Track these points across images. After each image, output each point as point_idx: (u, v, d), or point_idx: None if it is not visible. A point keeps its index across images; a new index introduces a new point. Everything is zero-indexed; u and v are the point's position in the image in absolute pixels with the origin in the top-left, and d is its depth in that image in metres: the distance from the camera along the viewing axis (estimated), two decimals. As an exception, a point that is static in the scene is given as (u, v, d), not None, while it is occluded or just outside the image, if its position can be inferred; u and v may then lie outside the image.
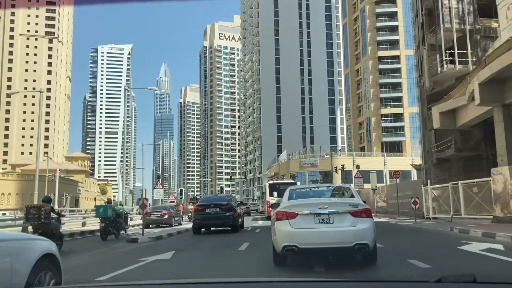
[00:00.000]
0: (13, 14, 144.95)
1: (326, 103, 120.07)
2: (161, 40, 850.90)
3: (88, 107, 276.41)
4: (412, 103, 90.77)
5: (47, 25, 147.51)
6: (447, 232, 14.61)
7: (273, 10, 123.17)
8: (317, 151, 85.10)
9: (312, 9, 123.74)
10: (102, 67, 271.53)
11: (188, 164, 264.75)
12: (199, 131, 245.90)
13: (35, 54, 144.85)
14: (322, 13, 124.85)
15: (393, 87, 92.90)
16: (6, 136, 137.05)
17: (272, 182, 39.20)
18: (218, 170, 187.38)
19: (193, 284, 2.42)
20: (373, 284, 2.28)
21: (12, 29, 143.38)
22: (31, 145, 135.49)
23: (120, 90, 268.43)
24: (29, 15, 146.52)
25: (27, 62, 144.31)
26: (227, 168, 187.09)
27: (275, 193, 30.35)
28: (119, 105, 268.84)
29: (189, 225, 23.56)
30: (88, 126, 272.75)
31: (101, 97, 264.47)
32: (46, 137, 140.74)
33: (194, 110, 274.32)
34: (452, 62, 31.45)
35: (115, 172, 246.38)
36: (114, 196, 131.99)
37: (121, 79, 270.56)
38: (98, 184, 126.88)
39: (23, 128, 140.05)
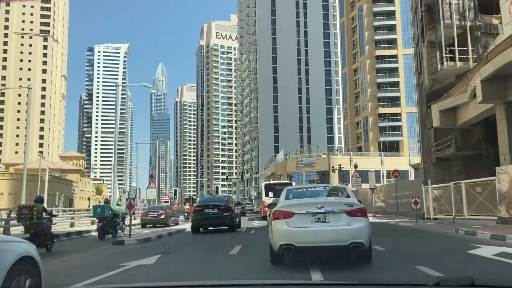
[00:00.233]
0: (7, 12, 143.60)
1: (324, 102, 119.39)
2: (158, 40, 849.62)
3: (84, 106, 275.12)
4: (409, 102, 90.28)
5: (42, 24, 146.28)
6: (452, 234, 13.85)
7: (270, 9, 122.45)
8: (314, 151, 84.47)
9: (309, 8, 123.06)
10: (98, 67, 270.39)
11: (184, 164, 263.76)
12: (195, 131, 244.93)
13: (30, 53, 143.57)
14: (320, 12, 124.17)
15: (391, 87, 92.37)
16: (0, 136, 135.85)
17: (267, 182, 39.37)
18: (214, 170, 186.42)
19: (190, 287, 2.42)
20: (372, 287, 2.23)
21: (6, 27, 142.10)
22: (25, 144, 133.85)
23: (116, 90, 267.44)
24: (24, 13, 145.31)
25: (21, 60, 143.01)
26: (223, 168, 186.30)
27: (270, 194, 30.50)
28: (115, 104, 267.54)
29: (183, 226, 23.10)
30: (84, 125, 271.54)
31: (97, 97, 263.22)
32: (41, 136, 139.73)
33: (190, 110, 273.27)
34: (452, 59, 30.77)
35: (111, 172, 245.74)
36: (110, 196, 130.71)
37: (117, 79, 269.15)
38: (94, 183, 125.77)
39: (18, 127, 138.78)
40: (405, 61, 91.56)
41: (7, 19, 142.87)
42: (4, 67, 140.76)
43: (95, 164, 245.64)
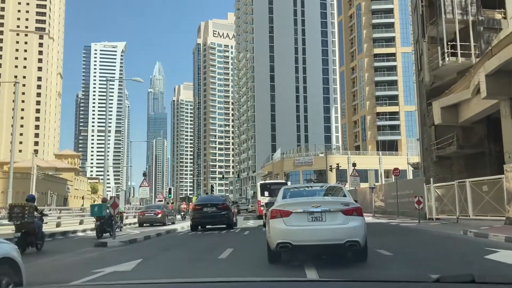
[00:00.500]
0: (2, 9, 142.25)
1: (321, 101, 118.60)
2: (155, 38, 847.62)
3: (81, 105, 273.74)
4: (408, 101, 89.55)
5: (37, 21, 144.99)
6: (460, 236, 12.93)
7: (267, 7, 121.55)
8: (311, 150, 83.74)
9: (307, 6, 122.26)
10: (95, 65, 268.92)
11: (181, 163, 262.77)
12: (192, 130, 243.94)
13: (25, 50, 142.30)
14: (317, 10, 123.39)
15: (389, 85, 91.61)
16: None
17: (263, 182, 39.92)
18: (211, 169, 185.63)
19: (189, 283, 2.40)
20: (372, 284, 2.24)
21: (1, 25, 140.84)
22: (20, 142, 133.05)
23: (113, 88, 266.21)
24: (19, 11, 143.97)
25: (17, 58, 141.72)
26: (220, 167, 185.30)
27: (266, 193, 31.03)
28: (112, 103, 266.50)
29: (177, 225, 22.38)
30: (80, 124, 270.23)
31: (94, 95, 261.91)
32: (36, 135, 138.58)
33: (187, 109, 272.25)
34: (454, 54, 29.96)
35: (108, 171, 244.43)
36: (107, 195, 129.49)
37: (114, 76, 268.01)
38: (89, 182, 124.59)
39: (12, 126, 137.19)
40: (403, 60, 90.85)
41: (2, 16, 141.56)
42: (0, 65, 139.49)
43: (91, 163, 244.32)
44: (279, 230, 7.40)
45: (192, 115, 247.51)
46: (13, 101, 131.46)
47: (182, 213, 37.62)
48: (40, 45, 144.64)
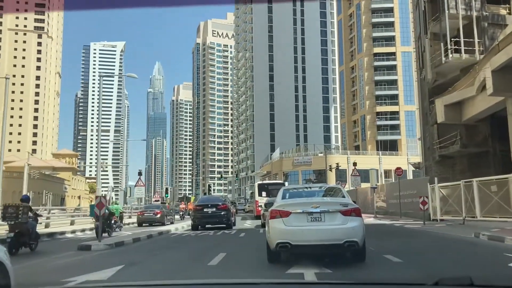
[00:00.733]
0: (1, 8, 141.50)
1: (320, 101, 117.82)
2: (155, 38, 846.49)
3: (80, 104, 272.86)
4: (408, 101, 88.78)
5: (36, 20, 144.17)
6: (472, 239, 12.04)
7: (266, 6, 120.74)
8: (310, 149, 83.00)
9: (306, 6, 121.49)
10: (94, 64, 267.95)
11: (180, 162, 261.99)
12: (191, 129, 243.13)
13: (24, 49, 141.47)
14: (317, 10, 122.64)
15: (389, 85, 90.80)
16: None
17: (261, 182, 39.75)
18: (210, 169, 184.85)
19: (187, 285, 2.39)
20: (373, 286, 2.24)
21: (0, 24, 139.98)
22: (18, 142, 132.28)
23: (112, 88, 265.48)
24: (17, 9, 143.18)
25: (15, 57, 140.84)
26: (219, 167, 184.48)
27: (264, 193, 31.00)
28: (112, 103, 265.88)
29: (174, 226, 21.70)
30: (79, 123, 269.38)
31: (93, 95, 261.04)
32: (35, 134, 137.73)
33: (187, 108, 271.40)
34: (458, 51, 29.15)
35: (107, 170, 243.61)
36: (104, 195, 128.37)
37: (113, 77, 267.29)
38: (88, 182, 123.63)
39: (11, 125, 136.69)
40: (403, 59, 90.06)
41: (0, 15, 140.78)
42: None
43: (90, 162, 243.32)
44: (278, 230, 7.48)
45: (191, 115, 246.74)
46: (12, 100, 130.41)
47: (181, 213, 37.26)
48: (39, 44, 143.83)
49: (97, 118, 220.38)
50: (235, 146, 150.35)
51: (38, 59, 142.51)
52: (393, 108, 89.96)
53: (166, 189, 49.01)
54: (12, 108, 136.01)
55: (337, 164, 57.29)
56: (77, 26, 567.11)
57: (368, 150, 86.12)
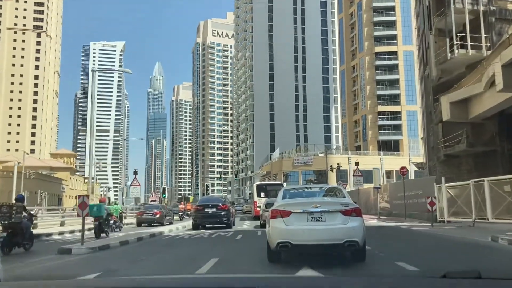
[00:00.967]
0: (0, 7, 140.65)
1: (321, 101, 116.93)
2: (155, 38, 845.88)
3: (79, 104, 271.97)
4: (410, 100, 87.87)
5: (35, 19, 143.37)
6: (490, 243, 11.00)
7: (267, 5, 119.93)
8: (311, 149, 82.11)
9: (307, 5, 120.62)
10: (94, 64, 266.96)
11: (180, 163, 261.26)
12: (191, 130, 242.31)
13: (23, 49, 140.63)
14: (317, 9, 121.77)
15: (391, 84, 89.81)
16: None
17: (259, 183, 39.87)
18: (210, 169, 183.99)
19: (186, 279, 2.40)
20: (383, 280, 2.25)
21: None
22: (17, 141, 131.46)
23: (112, 88, 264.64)
24: (16, 8, 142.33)
25: (14, 56, 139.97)
26: (219, 167, 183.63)
27: (262, 194, 31.11)
28: (111, 103, 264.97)
29: (165, 228, 20.76)
30: (79, 123, 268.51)
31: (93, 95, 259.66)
32: (33, 134, 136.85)
33: (186, 109, 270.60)
34: (464, 47, 28.15)
35: (106, 171, 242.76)
36: (103, 195, 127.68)
37: (113, 77, 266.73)
38: (86, 182, 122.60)
39: (9, 124, 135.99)
40: (405, 58, 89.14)
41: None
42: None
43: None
44: (279, 230, 7.48)
45: (191, 115, 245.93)
46: (11, 99, 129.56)
47: (181, 213, 36.96)
48: (38, 43, 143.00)
49: (102, 118, 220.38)
50: (234, 146, 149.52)
51: (37, 58, 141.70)
52: (395, 108, 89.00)
53: (164, 188, 48.05)
54: (11, 108, 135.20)
55: (338, 164, 56.29)
56: (76, 25, 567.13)
57: (369, 150, 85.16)
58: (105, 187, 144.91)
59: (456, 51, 27.94)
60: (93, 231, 17.29)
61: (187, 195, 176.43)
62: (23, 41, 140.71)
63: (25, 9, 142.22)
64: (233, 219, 23.50)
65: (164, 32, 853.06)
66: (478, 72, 24.40)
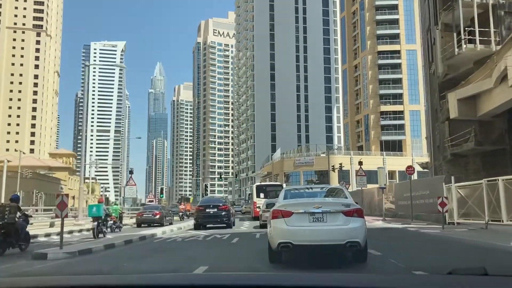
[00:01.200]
0: None
1: (323, 100, 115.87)
2: (156, 38, 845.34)
3: (80, 104, 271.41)
4: (413, 100, 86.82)
5: (35, 18, 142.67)
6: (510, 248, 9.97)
7: (268, 4, 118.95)
8: (312, 149, 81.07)
9: (308, 4, 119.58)
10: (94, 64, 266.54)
11: (181, 163, 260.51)
12: (192, 130, 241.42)
13: (22, 48, 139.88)
14: (319, 8, 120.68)
15: (393, 83, 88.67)
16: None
17: (259, 184, 40.07)
18: (210, 170, 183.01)
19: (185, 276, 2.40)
20: (388, 277, 2.22)
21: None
22: (16, 141, 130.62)
23: (112, 88, 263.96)
24: (16, 7, 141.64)
25: (13, 55, 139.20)
26: (220, 167, 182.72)
27: (261, 195, 31.06)
28: (112, 103, 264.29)
29: (158, 230, 19.80)
30: (79, 123, 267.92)
31: (93, 95, 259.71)
32: (33, 134, 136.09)
33: (187, 109, 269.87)
34: (472, 41, 27.07)
35: (106, 171, 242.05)
36: (103, 195, 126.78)
37: (114, 77, 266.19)
38: (86, 182, 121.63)
39: (9, 124, 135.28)
40: (408, 57, 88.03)
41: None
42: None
43: (91, 162, 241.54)
44: (280, 230, 7.46)
45: (192, 115, 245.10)
46: (10, 99, 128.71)
47: (181, 213, 36.80)
48: (37, 42, 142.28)
49: (103, 118, 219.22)
50: (235, 146, 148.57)
51: (37, 58, 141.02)
52: (398, 108, 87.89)
53: (161, 189, 47.20)
54: (10, 107, 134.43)
55: (340, 164, 55.21)
56: (77, 25, 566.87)
57: (371, 150, 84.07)
58: (102, 187, 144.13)
59: (464, 46, 26.88)
60: (91, 231, 17.32)
61: (188, 195, 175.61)
62: (23, 40, 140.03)
63: (24, 8, 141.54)
64: (233, 219, 24.27)
65: (165, 31, 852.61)
66: (488, 67, 23.34)
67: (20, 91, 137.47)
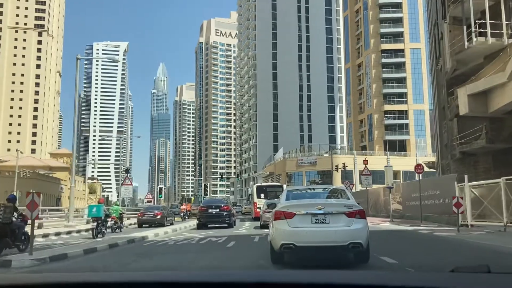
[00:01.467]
0: (1, 6, 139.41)
1: (325, 100, 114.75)
2: (158, 38, 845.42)
3: (83, 104, 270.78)
4: (417, 99, 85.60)
5: (36, 18, 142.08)
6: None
7: (270, 3, 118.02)
8: (315, 149, 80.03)
9: (311, 2, 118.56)
10: (97, 65, 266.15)
11: (183, 163, 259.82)
12: (194, 130, 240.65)
13: (24, 48, 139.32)
14: (322, 7, 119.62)
15: (397, 83, 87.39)
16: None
17: (259, 184, 40.26)
18: (212, 170, 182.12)
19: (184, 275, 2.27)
20: (392, 274, 2.27)
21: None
22: (18, 141, 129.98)
23: (115, 88, 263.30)
24: (18, 7, 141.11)
25: (15, 55, 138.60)
26: (222, 168, 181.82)
27: (262, 195, 31.22)
28: (114, 103, 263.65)
29: (151, 232, 18.72)
30: (82, 124, 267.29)
31: (96, 95, 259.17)
32: (34, 134, 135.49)
33: (190, 109, 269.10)
34: (482, 34, 25.88)
35: (109, 171, 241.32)
36: (103, 195, 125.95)
37: (116, 77, 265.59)
38: (87, 182, 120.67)
39: (10, 124, 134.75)
40: (412, 56, 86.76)
41: (0, 13, 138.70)
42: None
43: (93, 163, 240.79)
44: (282, 231, 7.47)
45: (194, 115, 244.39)
46: (12, 99, 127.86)
47: (182, 214, 36.69)
48: (39, 42, 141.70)
49: (105, 119, 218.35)
50: (237, 146, 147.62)
51: (38, 58, 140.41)
52: (402, 107, 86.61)
53: (160, 189, 46.26)
54: (12, 107, 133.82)
55: (344, 164, 54.06)
56: (79, 25, 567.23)
57: (375, 150, 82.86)
58: (101, 187, 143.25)
59: (475, 39, 25.69)
60: (91, 232, 17.26)
61: (190, 195, 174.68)
62: (25, 40, 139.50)
63: (26, 8, 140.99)
64: (234, 219, 25.09)
65: (167, 32, 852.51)
66: (500, 61, 22.20)
67: (21, 91, 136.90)
